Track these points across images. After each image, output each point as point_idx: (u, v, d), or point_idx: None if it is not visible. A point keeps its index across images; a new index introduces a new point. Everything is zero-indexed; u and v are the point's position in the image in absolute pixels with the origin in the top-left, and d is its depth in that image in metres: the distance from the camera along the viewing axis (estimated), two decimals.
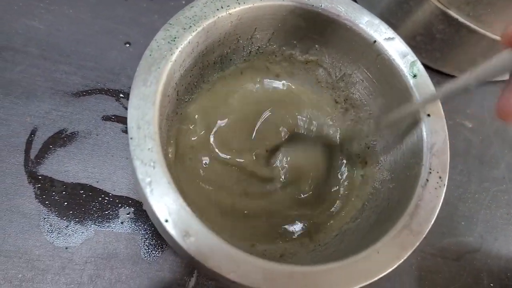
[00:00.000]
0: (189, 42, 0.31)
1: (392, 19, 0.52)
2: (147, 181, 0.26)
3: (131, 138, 0.26)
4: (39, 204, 0.40)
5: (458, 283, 0.46)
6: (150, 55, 0.29)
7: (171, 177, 0.26)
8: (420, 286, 0.45)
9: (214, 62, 0.38)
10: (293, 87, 0.44)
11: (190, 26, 0.31)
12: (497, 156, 0.54)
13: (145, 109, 0.27)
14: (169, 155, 0.37)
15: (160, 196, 0.26)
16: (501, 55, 0.25)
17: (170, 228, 0.25)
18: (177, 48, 0.30)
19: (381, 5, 0.52)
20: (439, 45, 0.51)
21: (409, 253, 0.28)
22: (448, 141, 0.32)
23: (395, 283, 0.44)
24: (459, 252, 0.47)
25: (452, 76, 0.57)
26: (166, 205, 0.26)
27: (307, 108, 0.44)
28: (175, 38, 0.30)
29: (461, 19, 0.46)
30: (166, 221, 0.26)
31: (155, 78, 0.28)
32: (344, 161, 0.42)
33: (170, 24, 0.31)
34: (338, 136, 0.43)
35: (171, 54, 0.30)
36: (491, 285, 0.47)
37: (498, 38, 0.47)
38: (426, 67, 0.55)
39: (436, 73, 0.57)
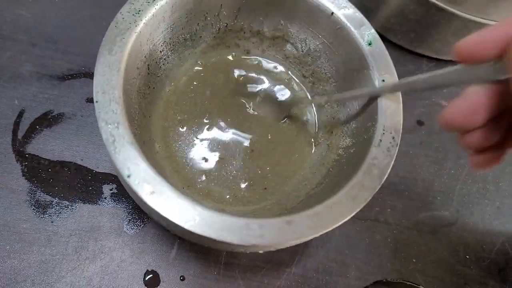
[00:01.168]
0: (153, 15, 0.33)
1: (367, 3, 0.53)
2: (111, 140, 0.28)
3: (96, 102, 0.28)
4: (26, 181, 0.42)
5: (434, 255, 0.47)
6: (115, 26, 0.31)
7: (133, 137, 0.28)
8: (396, 258, 0.46)
9: (184, 39, 0.40)
10: (263, 62, 0.45)
11: (154, 0, 0.33)
12: None
13: (110, 76, 0.29)
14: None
15: (123, 154, 0.28)
16: (452, 68, 0.26)
17: (132, 182, 0.27)
18: (141, 20, 0.32)
19: None
20: (413, 26, 0.53)
21: (360, 207, 0.30)
22: (401, 104, 0.34)
23: (372, 255, 0.45)
24: (435, 225, 0.48)
25: (427, 57, 0.58)
26: (129, 161, 0.28)
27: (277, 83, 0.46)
28: (139, 11, 0.32)
29: None
30: (128, 176, 0.27)
31: (120, 47, 0.30)
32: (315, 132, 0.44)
33: None
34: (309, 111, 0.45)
35: (136, 26, 0.32)
36: (467, 257, 0.48)
37: (469, 17, 0.48)
38: (402, 48, 0.57)
39: (413, 55, 0.58)
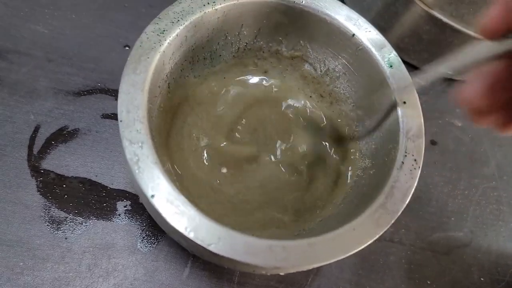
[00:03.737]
0: (177, 35, 0.33)
1: (381, 22, 0.54)
2: (134, 160, 0.28)
3: (120, 121, 0.28)
4: (41, 196, 0.42)
5: (448, 277, 0.47)
6: (140, 45, 0.31)
7: (157, 157, 0.28)
8: (410, 279, 0.45)
9: (204, 58, 0.40)
10: (281, 82, 0.46)
11: (178, 20, 0.33)
12: (487, 154, 0.55)
13: (134, 94, 0.29)
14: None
15: (146, 174, 0.28)
16: (478, 45, 0.27)
17: (156, 202, 0.27)
18: (165, 40, 0.32)
19: (371, 9, 0.54)
20: (426, 46, 0.53)
21: (384, 230, 0.30)
22: (423, 127, 0.34)
23: (386, 276, 0.45)
24: (449, 246, 0.48)
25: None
26: (152, 182, 0.28)
27: (295, 103, 0.46)
28: (164, 31, 0.32)
29: (444, 19, 0.48)
30: (152, 196, 0.27)
31: (145, 66, 0.31)
32: (332, 152, 0.44)
33: (159, 18, 0.33)
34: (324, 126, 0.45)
35: (160, 45, 0.32)
36: (482, 279, 0.47)
37: (481, 37, 0.49)
38: (415, 68, 0.58)
39: None
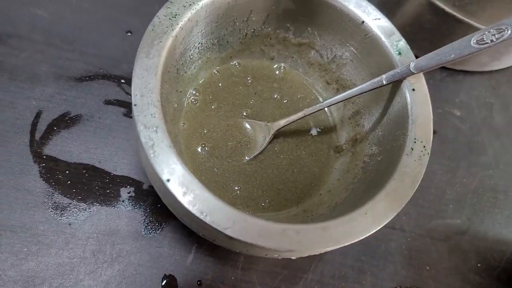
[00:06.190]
0: (189, 20, 0.33)
1: (383, 11, 0.53)
2: (150, 144, 0.28)
3: (135, 105, 0.28)
4: (44, 182, 0.42)
5: (447, 263, 0.47)
6: (152, 29, 0.31)
7: (171, 141, 0.28)
8: (410, 265, 0.46)
9: (212, 44, 0.40)
10: (287, 69, 0.46)
11: (190, 4, 0.33)
12: (484, 143, 0.56)
13: (148, 78, 0.29)
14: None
15: (162, 158, 0.28)
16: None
17: (171, 186, 0.27)
18: (177, 24, 0.32)
19: None
20: (428, 35, 0.53)
21: (395, 214, 0.30)
22: (431, 113, 0.34)
23: (387, 262, 0.46)
24: (447, 233, 0.49)
25: (440, 67, 0.59)
26: (168, 166, 0.28)
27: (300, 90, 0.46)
28: (176, 15, 0.32)
29: (447, 9, 0.48)
30: (168, 180, 0.27)
31: (157, 51, 0.30)
32: (339, 140, 0.44)
33: (171, 2, 0.33)
34: (330, 118, 0.46)
35: (172, 30, 0.32)
36: (479, 265, 0.48)
37: (483, 27, 0.49)
38: (416, 57, 0.58)
39: None
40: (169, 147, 0.28)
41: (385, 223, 0.30)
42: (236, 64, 0.44)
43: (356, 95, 0.37)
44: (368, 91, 0.36)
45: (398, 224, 0.48)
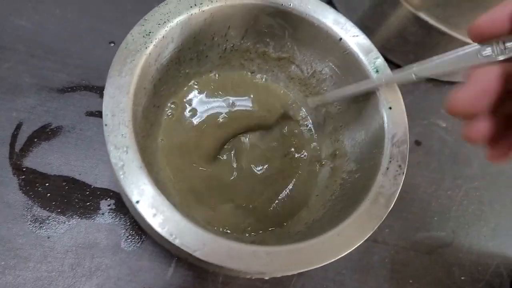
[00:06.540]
0: (163, 37, 0.33)
1: (367, 23, 0.54)
2: (119, 165, 0.28)
3: (105, 125, 0.28)
4: (23, 195, 0.41)
5: (430, 276, 0.47)
6: (125, 47, 0.31)
7: (142, 162, 0.28)
8: (393, 279, 0.46)
9: (190, 58, 0.39)
10: (267, 83, 0.46)
11: (165, 22, 0.33)
12: (470, 155, 0.55)
13: (119, 98, 0.29)
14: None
15: (131, 179, 0.27)
16: (464, 49, 0.27)
17: (141, 208, 0.27)
18: (151, 42, 0.32)
19: (358, 9, 0.54)
20: (412, 47, 0.53)
21: (366, 237, 0.30)
22: (408, 132, 0.34)
23: (369, 276, 0.45)
24: (431, 246, 0.49)
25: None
26: (137, 187, 0.27)
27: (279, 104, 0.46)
28: (150, 32, 0.32)
29: (431, 21, 0.48)
30: (137, 202, 0.27)
31: (130, 69, 0.30)
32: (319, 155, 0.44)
33: (145, 19, 0.33)
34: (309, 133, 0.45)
35: (146, 48, 0.31)
36: (462, 278, 0.48)
37: (468, 40, 0.49)
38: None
39: None
40: (140, 168, 0.28)
41: (357, 245, 0.29)
42: (216, 75, 0.44)
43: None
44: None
45: (380, 237, 0.47)
